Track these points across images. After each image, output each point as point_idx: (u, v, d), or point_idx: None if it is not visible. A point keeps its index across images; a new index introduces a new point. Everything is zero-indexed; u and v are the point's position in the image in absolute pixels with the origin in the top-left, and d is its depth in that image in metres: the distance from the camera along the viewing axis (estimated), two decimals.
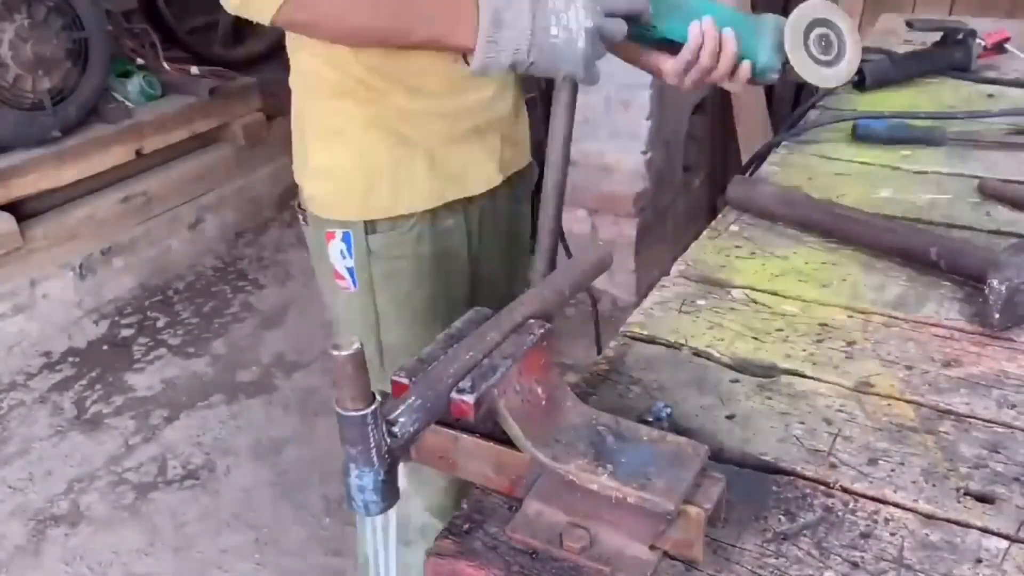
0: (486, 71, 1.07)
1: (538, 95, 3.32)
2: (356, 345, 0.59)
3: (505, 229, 1.41)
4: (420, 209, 1.25)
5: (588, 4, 1.02)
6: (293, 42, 1.21)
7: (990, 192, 1.28)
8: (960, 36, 1.71)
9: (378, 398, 0.61)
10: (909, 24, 2.04)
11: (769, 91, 3.32)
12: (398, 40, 1.09)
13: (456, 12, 1.04)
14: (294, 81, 1.25)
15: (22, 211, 2.99)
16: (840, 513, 0.76)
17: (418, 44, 1.09)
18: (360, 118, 1.18)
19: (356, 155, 1.21)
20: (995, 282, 0.94)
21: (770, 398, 0.90)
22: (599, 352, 1.01)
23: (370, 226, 1.24)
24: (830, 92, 1.69)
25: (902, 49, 1.83)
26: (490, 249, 1.40)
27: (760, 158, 1.48)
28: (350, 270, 1.27)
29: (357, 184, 1.22)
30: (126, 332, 3.14)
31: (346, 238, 1.25)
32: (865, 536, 0.73)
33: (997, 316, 0.96)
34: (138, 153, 3.29)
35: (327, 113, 1.21)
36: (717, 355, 0.98)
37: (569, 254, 1.33)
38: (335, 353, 0.59)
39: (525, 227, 1.47)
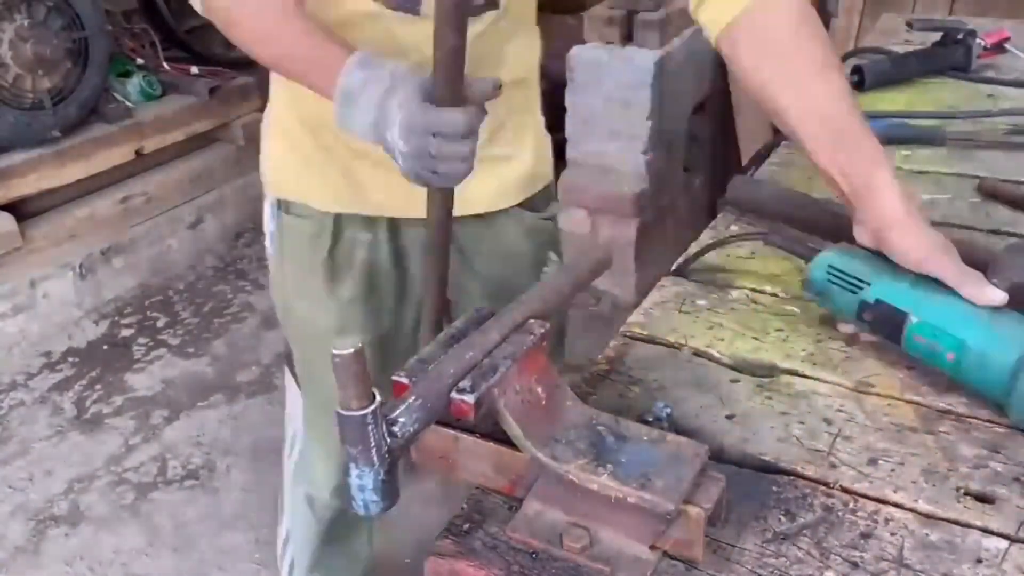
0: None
1: None
2: (357, 344, 0.59)
3: (486, 263, 1.38)
4: (317, 207, 1.30)
5: (405, 125, 0.94)
6: None
7: (990, 192, 1.28)
8: (960, 36, 1.71)
9: (378, 398, 0.61)
10: (909, 24, 2.04)
11: None
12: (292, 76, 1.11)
13: (321, 83, 1.01)
14: (272, 75, 1.30)
15: (22, 211, 2.99)
16: (840, 513, 0.76)
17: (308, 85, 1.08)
18: (296, 117, 1.28)
19: (285, 142, 1.32)
20: (995, 282, 0.94)
21: (770, 398, 0.90)
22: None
23: (283, 204, 1.34)
24: None
25: (902, 49, 1.83)
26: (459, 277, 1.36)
27: (760, 158, 1.48)
28: (271, 234, 1.39)
29: (278, 164, 1.34)
30: (126, 332, 3.14)
31: (273, 205, 1.36)
32: (865, 536, 0.73)
33: None
34: (138, 153, 3.29)
35: (279, 107, 1.32)
36: (717, 355, 0.98)
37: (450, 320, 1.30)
38: (335, 352, 0.59)
39: (517, 264, 1.41)
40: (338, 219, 1.31)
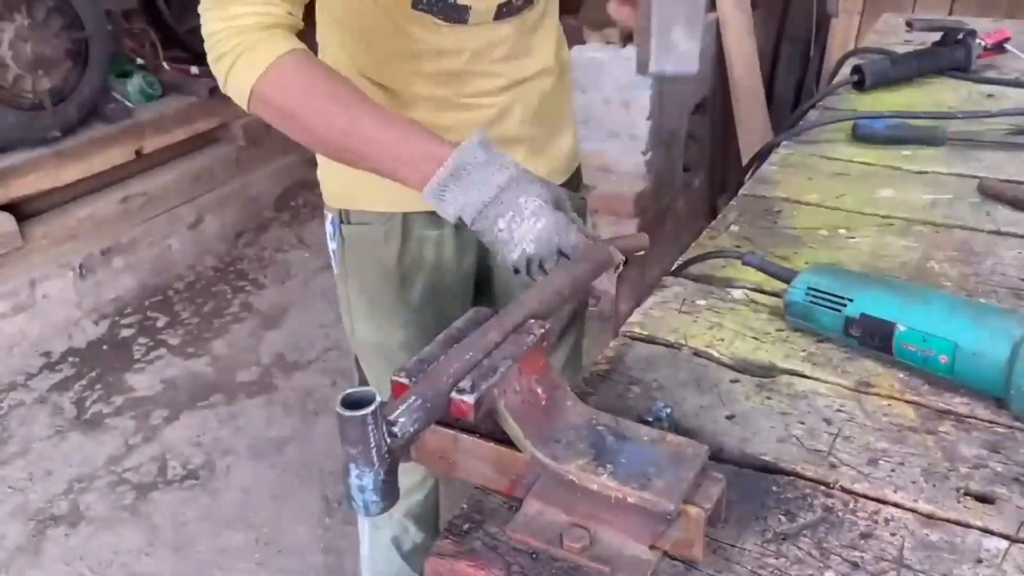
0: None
1: None
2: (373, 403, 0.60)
3: None
4: (384, 209, 1.27)
5: (544, 233, 0.91)
6: (320, 37, 1.24)
7: (990, 192, 1.28)
8: (960, 36, 1.71)
9: (378, 398, 0.61)
10: (909, 24, 2.04)
11: (769, 91, 3.33)
12: (353, 160, 1.05)
13: (409, 158, 0.96)
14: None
15: (22, 211, 2.99)
16: (840, 513, 0.76)
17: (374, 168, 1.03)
18: None
19: None
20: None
21: (770, 398, 0.90)
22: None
23: (344, 214, 1.31)
24: (830, 92, 1.69)
25: (902, 49, 1.83)
26: (506, 274, 1.37)
27: (760, 158, 1.48)
28: (334, 252, 1.36)
29: (335, 173, 1.29)
30: (126, 332, 3.14)
31: (333, 222, 1.33)
32: (865, 536, 0.73)
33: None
34: (138, 153, 3.29)
35: None
36: (717, 355, 0.98)
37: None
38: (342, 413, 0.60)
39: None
40: (406, 219, 1.28)
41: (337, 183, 1.31)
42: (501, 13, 1.18)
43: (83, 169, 3.12)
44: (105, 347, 3.06)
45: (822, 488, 0.78)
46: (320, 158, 1.31)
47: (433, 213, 1.23)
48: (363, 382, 1.48)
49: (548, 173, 1.33)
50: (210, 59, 1.01)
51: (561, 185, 1.32)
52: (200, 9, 1.00)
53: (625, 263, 0.97)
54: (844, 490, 0.78)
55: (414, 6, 1.12)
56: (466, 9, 1.14)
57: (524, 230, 0.91)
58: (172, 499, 2.40)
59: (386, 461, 0.62)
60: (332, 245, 1.35)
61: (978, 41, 1.71)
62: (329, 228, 1.35)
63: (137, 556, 2.22)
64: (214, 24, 0.98)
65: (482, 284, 1.42)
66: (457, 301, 1.40)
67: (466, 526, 0.76)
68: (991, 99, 1.61)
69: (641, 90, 2.82)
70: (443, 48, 1.17)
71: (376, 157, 0.98)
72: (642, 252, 0.98)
